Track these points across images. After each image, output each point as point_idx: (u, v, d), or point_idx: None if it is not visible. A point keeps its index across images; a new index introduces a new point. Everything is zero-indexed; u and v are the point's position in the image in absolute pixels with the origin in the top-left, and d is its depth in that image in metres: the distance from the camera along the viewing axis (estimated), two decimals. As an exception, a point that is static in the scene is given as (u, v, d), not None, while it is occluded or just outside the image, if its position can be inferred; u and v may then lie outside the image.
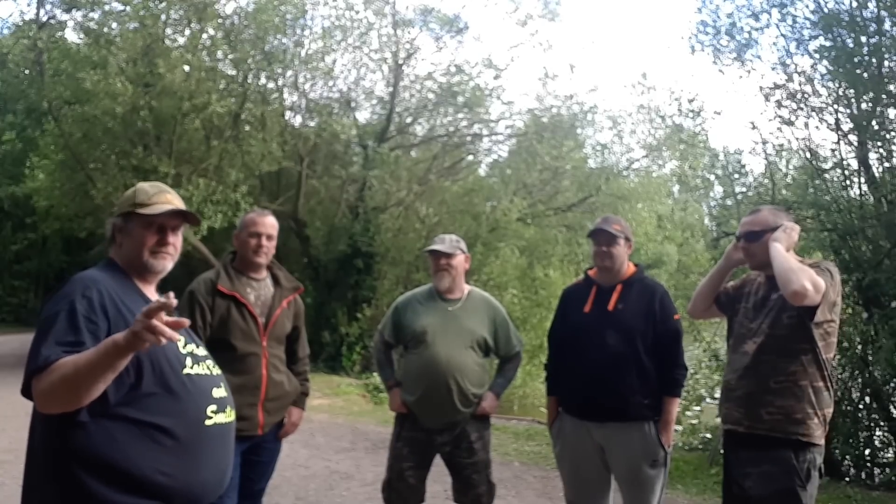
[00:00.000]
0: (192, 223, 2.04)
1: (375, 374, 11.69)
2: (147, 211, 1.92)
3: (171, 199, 1.97)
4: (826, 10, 6.69)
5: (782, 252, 2.55)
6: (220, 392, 1.91)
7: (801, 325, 2.52)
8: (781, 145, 7.46)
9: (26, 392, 1.67)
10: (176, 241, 1.98)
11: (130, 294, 1.87)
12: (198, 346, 1.97)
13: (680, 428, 7.21)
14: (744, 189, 8.32)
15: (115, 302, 1.78)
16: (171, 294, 1.51)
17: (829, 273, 2.53)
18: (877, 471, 6.11)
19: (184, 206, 2.00)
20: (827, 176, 6.99)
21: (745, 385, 2.60)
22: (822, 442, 2.58)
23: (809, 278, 2.41)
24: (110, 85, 11.38)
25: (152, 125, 12.54)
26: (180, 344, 1.87)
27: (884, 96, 6.17)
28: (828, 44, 6.59)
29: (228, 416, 1.92)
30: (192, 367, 1.85)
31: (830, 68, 6.57)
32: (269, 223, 3.07)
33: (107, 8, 12.79)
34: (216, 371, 1.97)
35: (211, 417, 1.84)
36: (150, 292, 1.97)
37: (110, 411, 1.69)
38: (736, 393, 2.64)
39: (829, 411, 2.58)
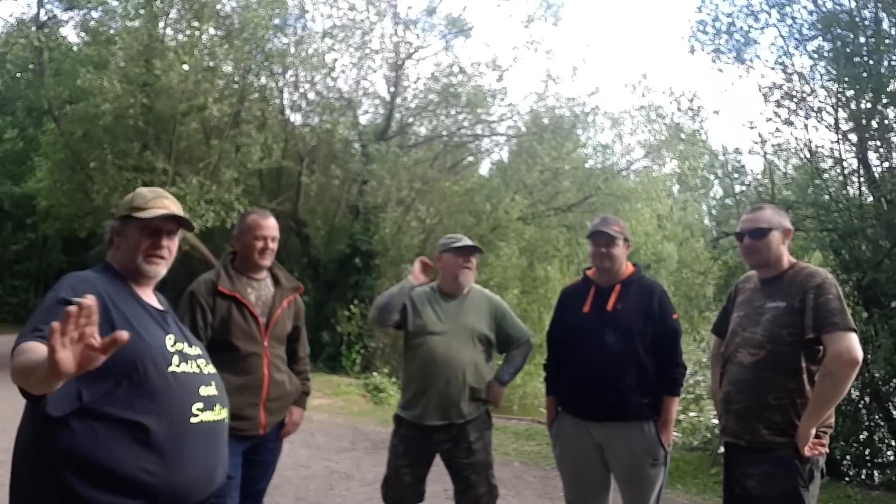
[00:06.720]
0: (187, 228, 2.04)
1: (375, 373, 11.69)
2: (142, 215, 1.93)
3: (167, 205, 1.98)
4: (825, 10, 6.69)
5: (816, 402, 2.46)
6: (208, 390, 1.90)
7: (803, 343, 2.49)
8: (780, 145, 7.47)
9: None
10: (170, 246, 1.99)
11: (124, 297, 1.87)
12: (190, 346, 1.96)
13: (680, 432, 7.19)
14: (743, 188, 8.32)
15: (105, 304, 1.76)
16: (91, 297, 1.33)
17: (841, 301, 2.48)
18: (877, 471, 6.11)
19: (180, 212, 2.01)
20: (826, 175, 6.99)
21: (744, 399, 2.59)
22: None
23: (846, 352, 2.39)
24: (104, 86, 11.38)
25: (151, 125, 12.53)
26: (169, 342, 1.87)
27: (883, 96, 6.17)
28: (827, 44, 6.59)
29: (218, 414, 1.91)
30: (178, 365, 1.85)
31: (829, 68, 6.58)
32: (273, 225, 3.09)
33: (107, 7, 12.80)
34: (208, 370, 1.97)
35: (197, 415, 1.83)
36: (148, 296, 1.97)
37: (87, 408, 1.67)
38: (734, 406, 2.63)
39: (831, 422, 2.57)
